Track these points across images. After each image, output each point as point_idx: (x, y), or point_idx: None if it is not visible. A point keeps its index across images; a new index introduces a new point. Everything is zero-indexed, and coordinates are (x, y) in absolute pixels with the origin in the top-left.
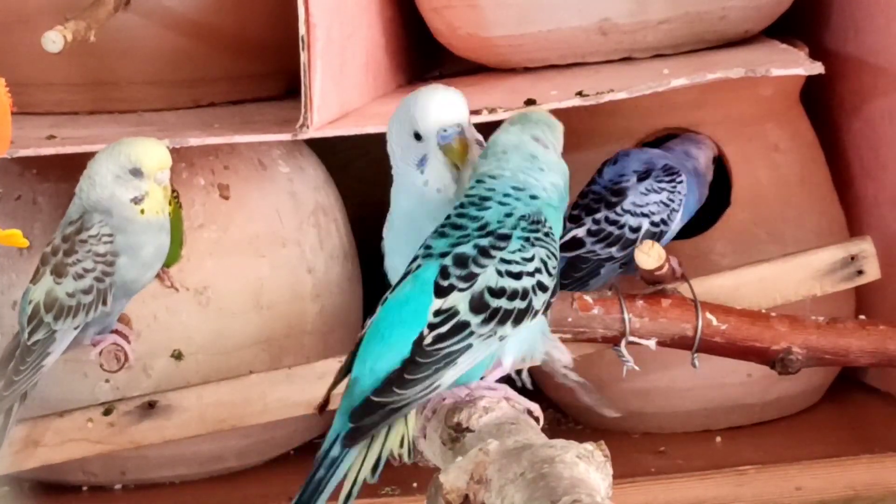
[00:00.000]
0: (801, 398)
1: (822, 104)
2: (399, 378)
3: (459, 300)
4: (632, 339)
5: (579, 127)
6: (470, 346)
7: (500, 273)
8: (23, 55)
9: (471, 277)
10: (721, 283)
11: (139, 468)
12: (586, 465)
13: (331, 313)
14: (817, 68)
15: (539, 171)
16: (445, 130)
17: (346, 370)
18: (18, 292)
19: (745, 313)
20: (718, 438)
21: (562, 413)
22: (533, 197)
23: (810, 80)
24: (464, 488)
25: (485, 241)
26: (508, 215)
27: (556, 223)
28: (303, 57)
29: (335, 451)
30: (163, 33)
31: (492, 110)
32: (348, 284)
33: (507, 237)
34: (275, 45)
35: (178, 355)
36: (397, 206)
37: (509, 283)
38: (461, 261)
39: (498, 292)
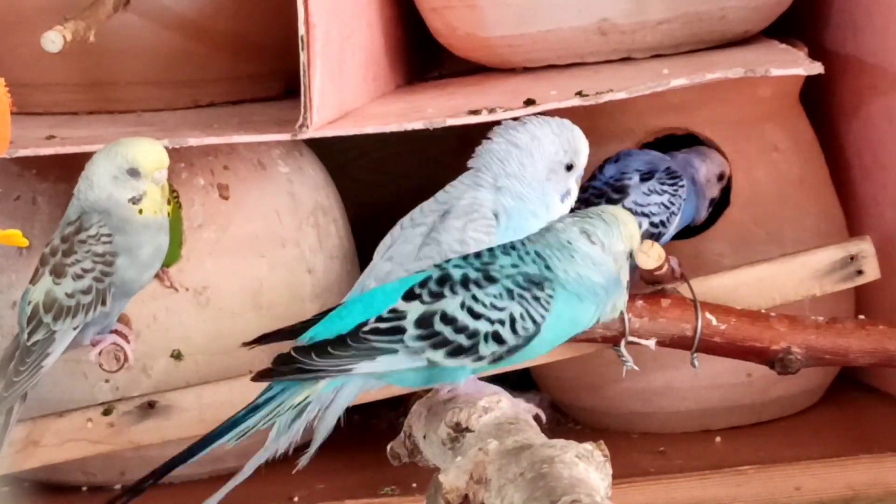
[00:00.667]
0: (801, 398)
1: (821, 104)
2: (322, 347)
3: (413, 310)
4: (631, 339)
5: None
6: (395, 350)
7: (462, 305)
8: (22, 55)
9: (438, 297)
10: (720, 283)
11: (139, 468)
12: (586, 464)
13: None
14: (816, 68)
15: (569, 257)
16: (581, 173)
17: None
18: (18, 293)
19: (744, 313)
20: (718, 438)
21: (562, 413)
22: (548, 268)
23: (810, 81)
24: (463, 488)
25: (473, 275)
26: (514, 266)
27: (567, 306)
28: (302, 57)
29: (260, 399)
30: (162, 33)
31: (491, 110)
32: (348, 285)
33: (493, 280)
34: (274, 46)
35: (177, 355)
36: (535, 224)
37: (463, 318)
38: (442, 280)
39: (449, 320)
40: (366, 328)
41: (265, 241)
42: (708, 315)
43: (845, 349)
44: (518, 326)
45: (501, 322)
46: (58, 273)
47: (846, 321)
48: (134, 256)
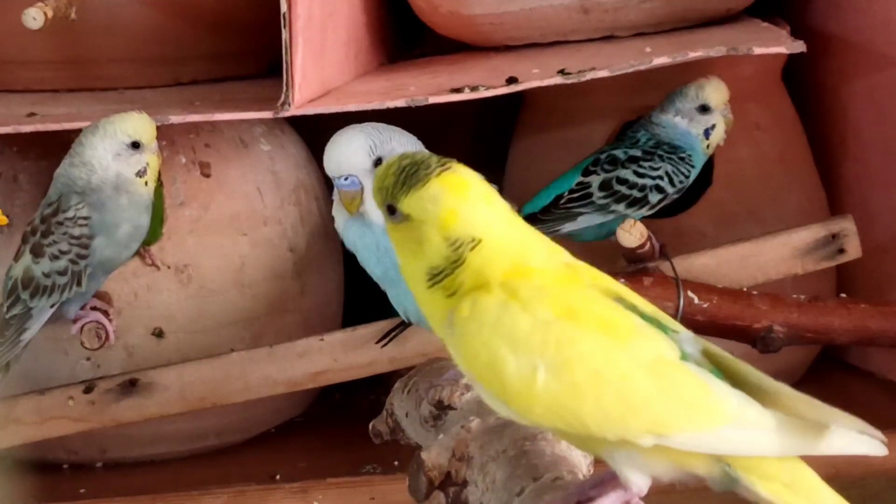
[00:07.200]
0: (782, 377)
1: (803, 83)
2: (532, 217)
3: (594, 180)
4: None
5: (561, 105)
6: (588, 211)
7: (631, 171)
8: (2, 32)
9: (611, 169)
10: (702, 262)
11: (120, 446)
12: (568, 442)
13: (312, 292)
14: (799, 47)
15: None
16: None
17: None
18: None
19: (726, 292)
20: None
21: None
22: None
23: (792, 59)
24: (445, 465)
25: (631, 152)
26: (649, 140)
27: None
28: (284, 35)
29: None
30: (144, 11)
31: (473, 88)
32: (329, 263)
33: (646, 152)
34: (256, 23)
35: (159, 333)
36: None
37: (633, 178)
38: (612, 160)
39: (623, 181)
40: (562, 200)
41: (247, 219)
42: (690, 293)
43: (827, 328)
44: (675, 180)
45: (660, 177)
46: (36, 252)
47: (828, 300)
48: (112, 235)
